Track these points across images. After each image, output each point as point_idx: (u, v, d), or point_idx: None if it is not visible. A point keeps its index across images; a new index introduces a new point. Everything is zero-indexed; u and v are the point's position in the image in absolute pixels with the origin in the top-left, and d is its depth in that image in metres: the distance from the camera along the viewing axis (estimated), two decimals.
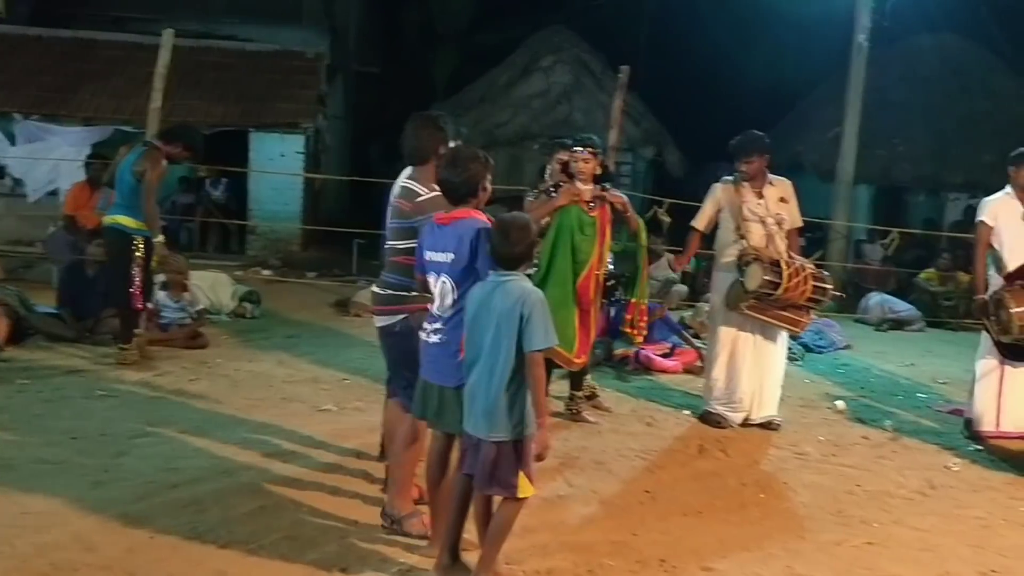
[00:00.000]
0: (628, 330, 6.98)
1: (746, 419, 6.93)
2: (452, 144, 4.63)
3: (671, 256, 6.94)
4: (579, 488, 5.43)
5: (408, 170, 4.69)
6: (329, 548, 4.36)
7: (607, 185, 6.68)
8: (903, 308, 12.49)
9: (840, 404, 7.79)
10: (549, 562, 4.35)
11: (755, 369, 6.88)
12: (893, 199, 18.14)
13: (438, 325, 4.22)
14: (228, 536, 4.43)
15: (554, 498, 5.21)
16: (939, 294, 12.87)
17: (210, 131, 14.79)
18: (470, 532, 4.17)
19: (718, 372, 6.95)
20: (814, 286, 6.63)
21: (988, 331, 6.62)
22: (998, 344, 6.54)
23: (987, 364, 6.93)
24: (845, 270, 14.57)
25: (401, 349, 4.56)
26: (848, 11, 14.73)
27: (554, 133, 14.76)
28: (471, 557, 4.10)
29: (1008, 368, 6.82)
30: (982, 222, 6.98)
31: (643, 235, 6.80)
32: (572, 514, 5.04)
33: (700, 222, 7.07)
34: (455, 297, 4.14)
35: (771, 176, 6.95)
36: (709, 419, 6.97)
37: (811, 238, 13.97)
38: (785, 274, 6.50)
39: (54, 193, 14.34)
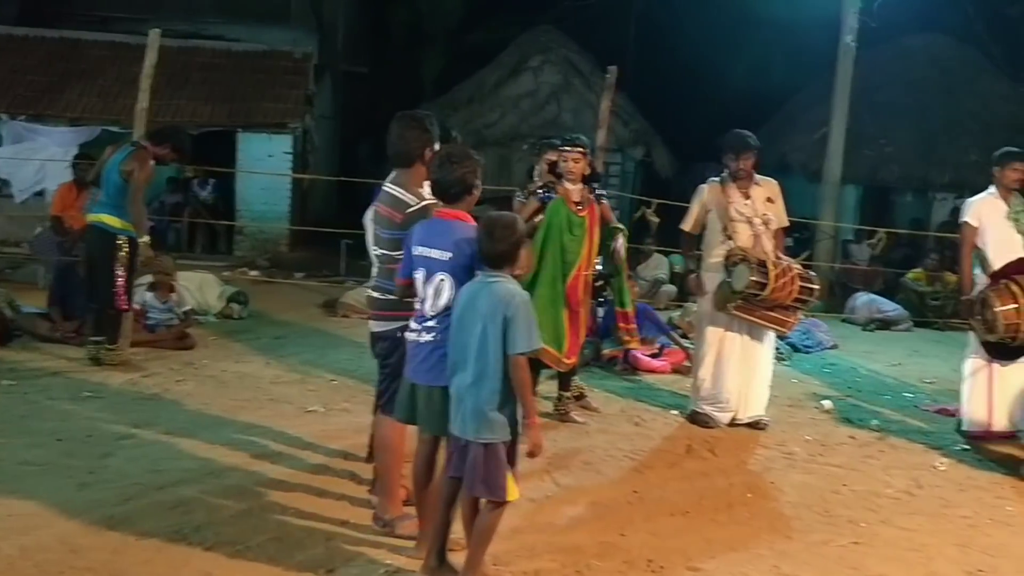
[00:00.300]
0: (626, 338, 7.08)
1: (733, 419, 6.94)
2: (437, 146, 4.60)
3: (693, 278, 7.00)
4: (567, 489, 5.43)
5: (393, 173, 4.63)
6: (316, 550, 4.35)
7: (596, 187, 6.73)
8: (890, 308, 12.53)
9: (827, 404, 7.81)
10: (537, 563, 4.35)
11: (742, 369, 6.89)
12: (880, 199, 18.20)
13: (430, 324, 4.17)
14: (214, 538, 4.42)
15: (542, 499, 5.21)
16: (926, 294, 12.91)
17: (198, 131, 14.76)
18: (457, 533, 4.16)
19: (705, 372, 6.95)
20: (801, 286, 6.65)
21: (975, 331, 6.64)
22: (985, 344, 6.56)
23: (975, 363, 6.96)
24: (832, 270, 14.62)
25: (402, 354, 4.43)
26: (835, 12, 14.77)
27: (543, 133, 14.75)
28: (458, 558, 4.09)
29: (996, 367, 6.85)
30: (966, 223, 7.02)
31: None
32: (560, 515, 5.04)
33: (688, 224, 7.07)
34: (451, 296, 4.09)
35: (757, 176, 6.96)
36: (697, 419, 6.98)
37: (798, 238, 14.05)
38: (772, 275, 6.51)
39: (41, 194, 14.30)
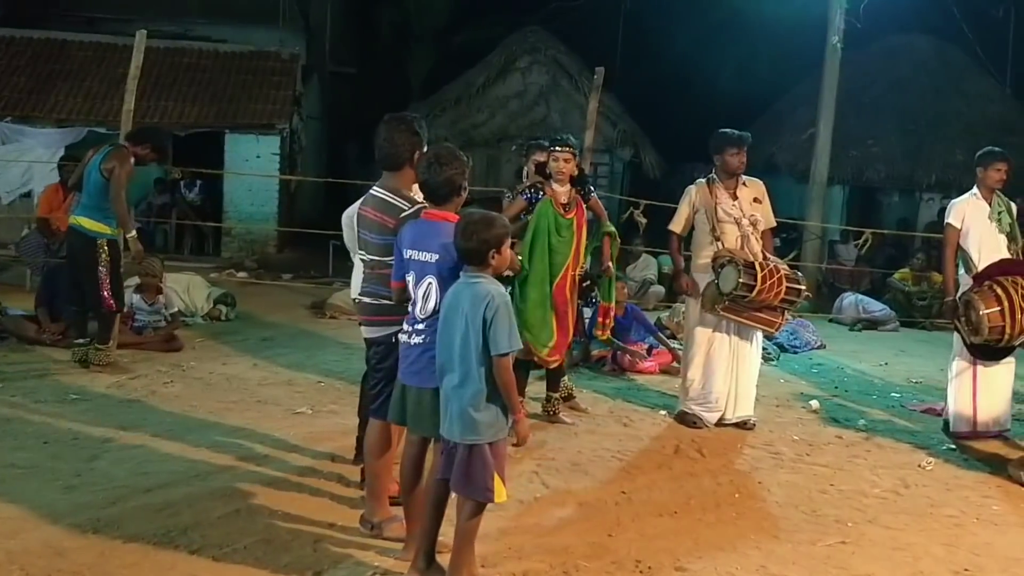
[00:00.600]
0: (597, 331, 7.28)
1: (721, 419, 6.95)
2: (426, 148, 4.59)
3: (686, 278, 7.05)
4: (555, 490, 5.43)
5: (383, 176, 4.58)
6: (303, 552, 4.34)
7: (591, 189, 6.77)
8: (877, 308, 12.58)
9: (814, 404, 7.83)
10: (525, 564, 4.35)
11: (730, 369, 6.90)
12: (867, 199, 18.29)
13: (420, 327, 4.17)
14: (201, 540, 4.40)
15: (530, 500, 5.20)
16: (913, 294, 12.97)
17: (185, 132, 14.75)
18: (446, 535, 4.16)
19: (693, 372, 6.97)
20: (788, 287, 6.66)
21: (959, 332, 6.66)
22: (969, 346, 6.58)
23: (961, 364, 6.99)
24: (819, 270, 14.67)
25: (396, 359, 4.37)
26: (822, 13, 14.83)
27: (531, 134, 14.78)
28: (446, 560, 4.09)
29: (980, 367, 6.89)
30: (950, 224, 7.07)
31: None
32: (548, 516, 5.04)
33: (677, 225, 7.08)
34: (439, 298, 4.08)
35: (744, 177, 6.97)
36: (685, 419, 6.99)
37: (785, 239, 14.10)
38: (759, 276, 6.52)
39: (27, 195, 14.23)
